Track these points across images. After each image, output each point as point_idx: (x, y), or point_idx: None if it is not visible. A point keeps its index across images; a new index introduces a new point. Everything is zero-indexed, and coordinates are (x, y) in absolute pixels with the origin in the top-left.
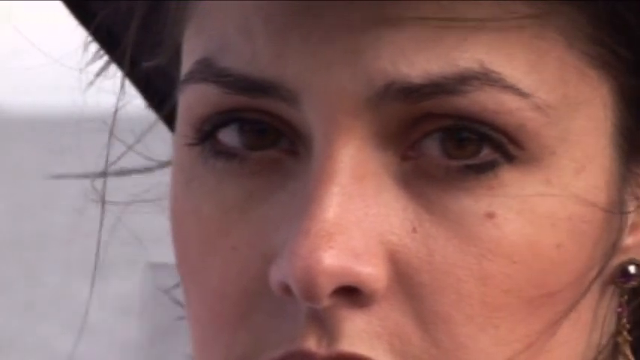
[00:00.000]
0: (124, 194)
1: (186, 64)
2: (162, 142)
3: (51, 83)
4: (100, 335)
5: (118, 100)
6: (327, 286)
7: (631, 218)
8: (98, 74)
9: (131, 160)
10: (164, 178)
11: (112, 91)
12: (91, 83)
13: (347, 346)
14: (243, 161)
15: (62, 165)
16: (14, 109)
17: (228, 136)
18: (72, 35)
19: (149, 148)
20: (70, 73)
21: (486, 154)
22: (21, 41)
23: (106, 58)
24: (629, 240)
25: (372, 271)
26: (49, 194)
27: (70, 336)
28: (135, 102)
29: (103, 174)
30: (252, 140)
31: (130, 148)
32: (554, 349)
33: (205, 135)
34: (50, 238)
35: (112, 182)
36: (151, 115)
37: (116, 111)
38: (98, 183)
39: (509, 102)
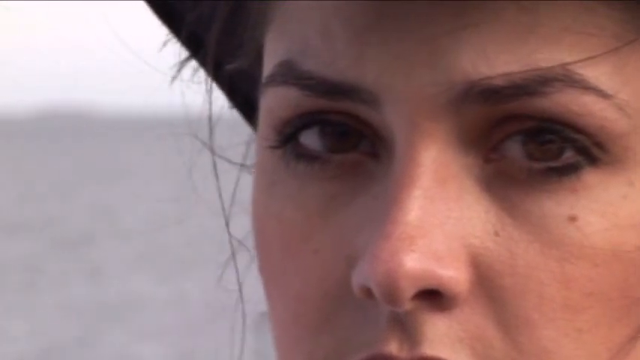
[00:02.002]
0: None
1: (268, 67)
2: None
3: (137, 83)
4: None
5: (210, 103)
6: (408, 289)
7: None
8: (174, 76)
9: (209, 162)
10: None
11: (200, 92)
12: (166, 81)
13: (429, 349)
14: (324, 164)
15: (149, 165)
16: (103, 109)
17: (310, 139)
18: (159, 36)
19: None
20: (157, 74)
21: (569, 156)
22: (110, 42)
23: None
24: None
25: (454, 275)
26: (135, 194)
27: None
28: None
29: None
30: (333, 143)
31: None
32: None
33: (287, 138)
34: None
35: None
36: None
37: (210, 115)
38: (187, 186)
39: (591, 103)
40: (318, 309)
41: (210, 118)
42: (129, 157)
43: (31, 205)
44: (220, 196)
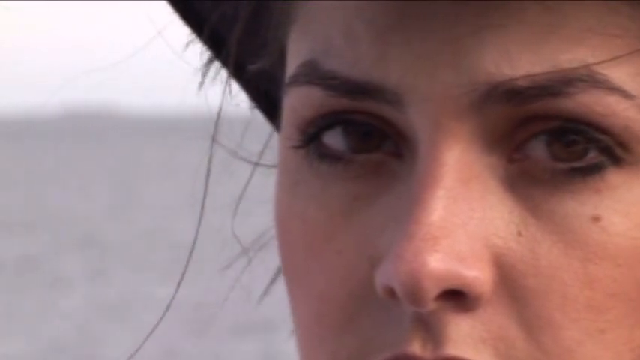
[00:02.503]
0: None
1: (291, 67)
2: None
3: (165, 83)
4: None
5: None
6: (432, 289)
7: None
8: (203, 77)
9: (230, 163)
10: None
11: (222, 92)
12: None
13: (452, 350)
14: (348, 164)
15: (173, 165)
16: (130, 109)
17: (333, 139)
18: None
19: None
20: (182, 74)
21: (593, 156)
22: (138, 41)
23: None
24: None
25: (477, 275)
26: (161, 193)
27: None
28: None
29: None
30: (357, 143)
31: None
32: None
33: (310, 138)
34: (156, 237)
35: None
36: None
37: (219, 112)
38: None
39: (614, 104)
40: (342, 309)
41: (217, 116)
42: (153, 157)
43: (50, 203)
44: (240, 197)
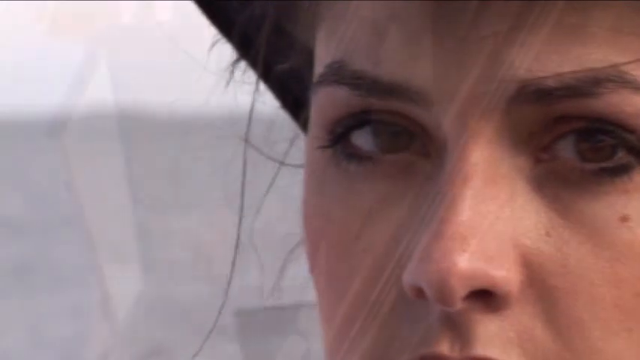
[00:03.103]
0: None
1: (319, 67)
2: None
3: (189, 83)
4: None
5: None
6: (460, 289)
7: None
8: (228, 79)
9: (256, 162)
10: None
11: (249, 93)
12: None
13: (480, 350)
14: (375, 164)
15: (196, 166)
16: (155, 110)
17: (361, 139)
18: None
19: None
20: (208, 74)
21: (621, 156)
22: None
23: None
24: None
25: (505, 275)
26: (182, 195)
27: None
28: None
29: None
30: (385, 143)
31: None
32: None
33: (338, 137)
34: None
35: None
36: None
37: (251, 112)
38: (230, 185)
39: None
40: (369, 309)
41: (249, 115)
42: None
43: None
44: (263, 197)
